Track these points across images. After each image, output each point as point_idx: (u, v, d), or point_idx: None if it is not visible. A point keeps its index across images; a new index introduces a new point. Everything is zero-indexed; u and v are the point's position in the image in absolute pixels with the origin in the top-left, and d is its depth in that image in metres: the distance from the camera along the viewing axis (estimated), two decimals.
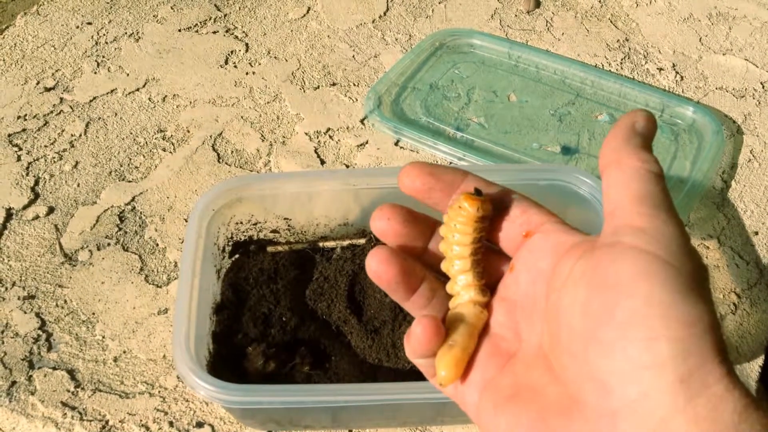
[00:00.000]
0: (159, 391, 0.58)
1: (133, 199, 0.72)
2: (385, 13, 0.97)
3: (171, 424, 0.56)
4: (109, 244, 0.68)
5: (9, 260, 0.67)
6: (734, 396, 0.23)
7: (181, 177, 0.75)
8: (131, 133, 0.79)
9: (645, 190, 0.27)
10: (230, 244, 0.62)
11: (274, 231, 0.64)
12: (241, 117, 0.81)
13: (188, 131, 0.80)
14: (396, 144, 0.78)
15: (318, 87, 0.85)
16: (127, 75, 0.87)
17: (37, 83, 0.85)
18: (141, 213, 0.71)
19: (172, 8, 0.97)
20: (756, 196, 0.74)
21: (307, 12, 0.97)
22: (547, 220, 0.30)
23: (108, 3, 0.98)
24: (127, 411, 0.56)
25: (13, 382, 0.58)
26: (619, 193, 0.27)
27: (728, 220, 0.71)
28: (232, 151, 0.77)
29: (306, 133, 0.79)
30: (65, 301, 0.64)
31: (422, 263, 0.32)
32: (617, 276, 0.24)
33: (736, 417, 0.22)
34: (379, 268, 0.31)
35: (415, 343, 0.30)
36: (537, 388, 0.27)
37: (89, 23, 0.94)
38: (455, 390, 0.30)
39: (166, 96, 0.84)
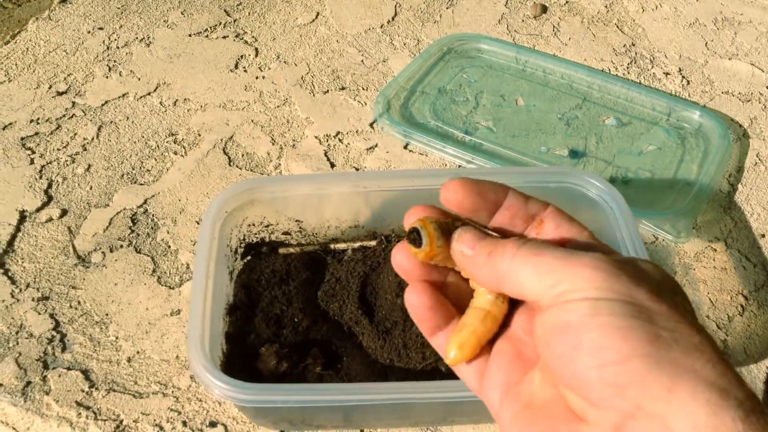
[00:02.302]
0: (172, 391, 0.58)
1: (145, 202, 0.73)
2: (393, 18, 0.98)
3: (184, 423, 0.56)
4: (121, 246, 0.69)
5: (23, 262, 0.68)
6: (734, 401, 0.23)
7: (192, 180, 0.75)
8: (143, 137, 0.80)
9: (539, 261, 0.27)
10: (242, 245, 0.63)
11: (285, 233, 0.64)
12: (252, 121, 0.82)
13: (199, 135, 0.80)
14: (405, 147, 0.79)
15: (327, 91, 0.86)
16: (139, 79, 0.88)
17: (50, 87, 0.86)
18: (153, 215, 0.72)
19: (182, 13, 0.98)
20: (762, 199, 0.74)
21: (316, 17, 0.98)
22: (578, 234, 0.31)
23: (119, 8, 0.99)
24: (141, 411, 0.57)
25: (28, 382, 0.59)
26: (527, 280, 0.28)
27: (735, 223, 0.72)
28: (242, 155, 0.78)
29: (316, 137, 0.80)
30: (79, 303, 0.64)
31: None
32: (567, 319, 0.25)
33: (740, 424, 0.22)
34: (406, 263, 0.32)
35: (410, 309, 0.31)
36: (550, 399, 0.28)
37: (100, 28, 0.95)
38: (480, 387, 0.31)
39: (177, 100, 0.85)
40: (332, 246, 0.65)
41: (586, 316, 0.25)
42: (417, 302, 0.32)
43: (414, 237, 0.30)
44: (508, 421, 0.29)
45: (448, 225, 0.31)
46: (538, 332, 0.27)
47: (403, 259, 0.32)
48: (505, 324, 0.31)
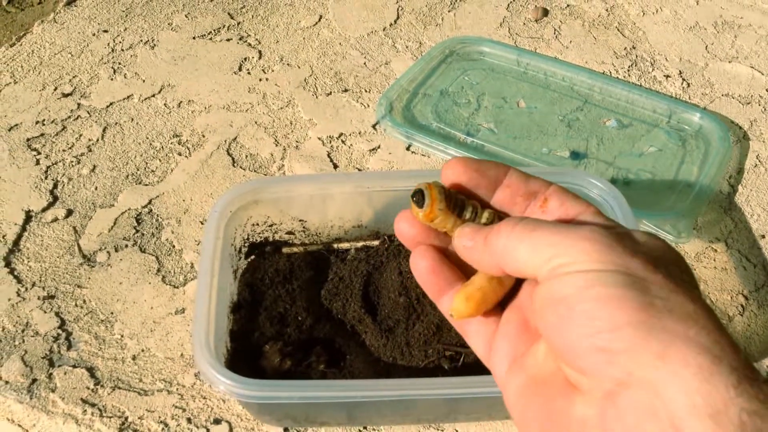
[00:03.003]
0: (177, 389, 0.59)
1: (149, 202, 0.74)
2: (395, 21, 0.98)
3: (189, 420, 0.57)
4: (126, 246, 0.70)
5: (29, 261, 0.68)
6: (727, 368, 0.23)
7: (196, 181, 0.76)
8: (147, 138, 0.81)
9: (535, 237, 0.28)
10: (247, 245, 0.63)
11: (289, 233, 0.65)
12: (255, 122, 0.83)
13: (203, 136, 0.81)
14: (407, 149, 0.80)
15: (330, 93, 0.87)
16: (143, 81, 0.88)
17: (55, 89, 0.87)
18: (158, 215, 0.72)
19: (186, 16, 0.99)
20: (762, 200, 0.75)
21: (319, 20, 0.99)
22: (583, 211, 0.31)
23: (123, 11, 0.99)
24: (146, 408, 0.58)
25: (34, 380, 0.59)
26: (524, 256, 0.28)
27: (735, 224, 0.72)
28: (246, 156, 0.79)
29: (319, 138, 0.81)
30: (84, 301, 0.65)
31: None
32: (562, 292, 0.26)
33: (732, 390, 0.22)
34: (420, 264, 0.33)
35: (415, 272, 0.32)
36: (551, 372, 0.28)
37: (105, 31, 0.96)
38: (488, 357, 0.32)
39: (181, 102, 0.86)
40: (335, 245, 0.66)
41: (580, 288, 0.25)
42: (422, 264, 0.32)
43: (418, 198, 0.32)
44: (512, 392, 0.29)
45: (452, 194, 0.32)
46: (534, 305, 0.27)
47: (405, 226, 0.33)
48: (513, 295, 0.32)
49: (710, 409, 0.22)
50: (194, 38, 0.95)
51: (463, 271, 0.33)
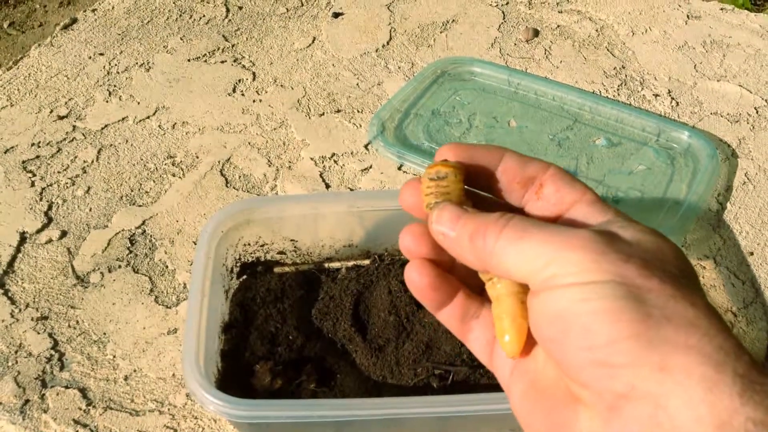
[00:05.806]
0: (168, 409, 0.59)
1: (143, 223, 0.74)
2: (388, 43, 1.00)
3: None
4: (120, 267, 0.70)
5: (23, 282, 0.69)
6: (730, 375, 0.22)
7: (190, 201, 0.77)
8: (142, 159, 0.82)
9: (525, 244, 0.27)
10: (238, 265, 0.64)
11: (280, 252, 0.65)
12: (249, 143, 0.84)
13: (197, 157, 0.82)
14: (399, 168, 0.81)
15: (323, 114, 0.88)
16: (138, 103, 0.89)
17: (51, 112, 0.88)
18: (151, 236, 0.73)
19: (181, 39, 1.00)
20: (751, 218, 0.75)
21: (313, 42, 1.00)
22: (579, 198, 0.30)
23: (119, 34, 1.01)
24: (137, 428, 0.58)
25: (27, 401, 0.60)
26: (514, 263, 0.27)
27: (724, 241, 0.73)
28: (239, 176, 0.80)
29: (311, 158, 0.82)
30: (77, 322, 0.65)
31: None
32: (558, 306, 0.26)
33: (737, 399, 0.22)
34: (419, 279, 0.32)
35: (410, 286, 0.31)
36: (552, 379, 0.28)
37: (101, 54, 0.97)
38: (490, 361, 0.31)
39: (175, 123, 0.86)
40: (326, 265, 0.66)
41: (576, 301, 0.25)
42: (417, 280, 0.31)
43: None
44: (516, 397, 0.29)
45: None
46: (531, 318, 0.27)
47: (409, 240, 0.32)
48: None
49: (715, 420, 0.22)
50: (189, 60, 0.96)
51: (467, 283, 0.32)
